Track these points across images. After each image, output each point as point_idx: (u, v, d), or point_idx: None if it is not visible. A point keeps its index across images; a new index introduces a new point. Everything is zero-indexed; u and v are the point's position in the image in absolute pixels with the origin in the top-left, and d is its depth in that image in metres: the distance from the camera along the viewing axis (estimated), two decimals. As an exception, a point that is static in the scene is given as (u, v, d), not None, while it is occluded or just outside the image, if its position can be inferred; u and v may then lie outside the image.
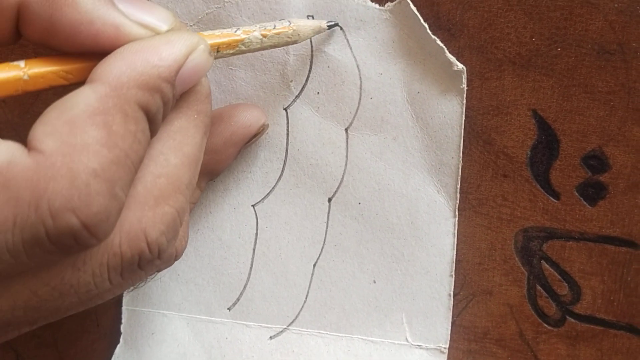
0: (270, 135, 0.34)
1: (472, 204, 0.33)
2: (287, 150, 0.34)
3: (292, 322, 0.36)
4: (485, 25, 0.31)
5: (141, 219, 0.25)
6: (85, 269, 0.24)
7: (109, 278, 0.24)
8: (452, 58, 0.31)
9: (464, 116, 0.32)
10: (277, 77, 0.33)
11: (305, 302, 0.35)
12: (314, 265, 0.35)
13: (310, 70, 0.33)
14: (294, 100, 0.33)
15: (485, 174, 0.33)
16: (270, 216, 0.35)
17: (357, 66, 0.32)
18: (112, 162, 0.22)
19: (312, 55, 0.33)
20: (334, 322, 0.35)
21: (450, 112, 0.32)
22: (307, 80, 0.33)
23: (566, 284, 0.33)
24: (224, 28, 0.29)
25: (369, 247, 0.34)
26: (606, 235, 0.32)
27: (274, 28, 0.29)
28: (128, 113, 0.23)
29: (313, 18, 0.32)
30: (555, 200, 0.33)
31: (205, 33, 0.27)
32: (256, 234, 0.35)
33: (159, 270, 0.28)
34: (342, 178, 0.34)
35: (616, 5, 0.29)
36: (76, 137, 0.22)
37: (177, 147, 0.26)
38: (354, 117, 0.33)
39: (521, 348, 0.35)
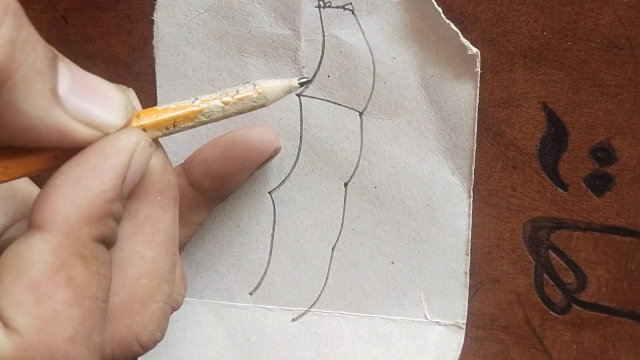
0: (284, 122, 0.34)
1: (482, 195, 0.34)
2: (301, 137, 0.34)
3: (314, 304, 0.36)
4: (497, 18, 0.31)
5: (131, 326, 0.25)
6: None
7: None
8: (467, 42, 0.31)
9: (477, 99, 0.32)
10: (289, 63, 0.33)
11: (325, 284, 0.36)
12: (333, 248, 0.35)
13: (322, 56, 0.32)
14: (306, 87, 0.33)
15: (495, 165, 0.33)
16: (287, 202, 0.35)
17: (370, 50, 0.32)
18: (84, 318, 0.22)
19: (323, 41, 0.32)
20: (355, 302, 0.36)
21: (464, 95, 0.32)
22: (319, 66, 0.33)
23: (572, 273, 0.34)
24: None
25: (386, 230, 0.34)
26: (612, 225, 0.33)
27: (237, 93, 0.26)
28: (87, 256, 0.22)
29: (325, 4, 0.32)
30: (563, 191, 0.33)
31: (160, 108, 0.25)
32: (274, 220, 0.35)
33: None
34: (358, 163, 0.34)
35: (625, 1, 0.30)
36: (45, 306, 0.21)
37: (150, 239, 0.25)
38: (368, 102, 0.33)
39: (528, 335, 0.35)
